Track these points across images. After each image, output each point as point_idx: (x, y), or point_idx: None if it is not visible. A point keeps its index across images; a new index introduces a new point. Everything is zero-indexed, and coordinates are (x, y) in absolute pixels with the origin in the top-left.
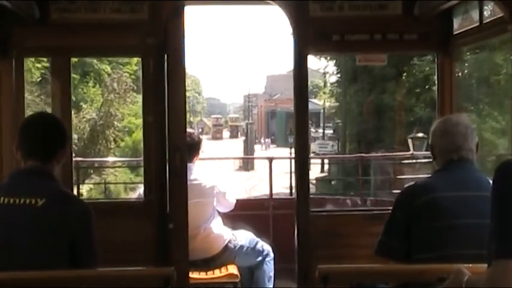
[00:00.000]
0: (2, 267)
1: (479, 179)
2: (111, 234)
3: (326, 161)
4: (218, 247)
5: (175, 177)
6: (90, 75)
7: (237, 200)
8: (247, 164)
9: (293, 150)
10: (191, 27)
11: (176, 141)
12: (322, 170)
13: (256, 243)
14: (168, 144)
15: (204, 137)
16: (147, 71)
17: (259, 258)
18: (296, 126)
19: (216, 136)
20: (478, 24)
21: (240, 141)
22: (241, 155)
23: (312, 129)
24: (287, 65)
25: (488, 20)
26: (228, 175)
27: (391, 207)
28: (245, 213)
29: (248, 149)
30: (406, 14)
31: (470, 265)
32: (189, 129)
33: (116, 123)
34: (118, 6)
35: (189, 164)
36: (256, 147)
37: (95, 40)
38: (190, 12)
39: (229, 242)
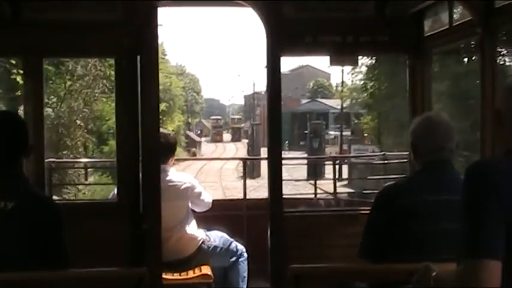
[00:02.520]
0: None
1: (459, 182)
2: (84, 235)
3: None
4: (192, 248)
5: (148, 178)
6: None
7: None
8: (252, 169)
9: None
10: (189, 26)
11: (149, 143)
12: (340, 175)
13: (230, 244)
14: (142, 146)
15: (203, 139)
16: (121, 72)
17: (233, 259)
18: (269, 128)
19: (216, 138)
20: (448, 26)
21: (242, 145)
22: (246, 162)
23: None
24: (289, 64)
25: (458, 23)
26: (230, 184)
27: (364, 208)
28: (219, 213)
29: (254, 153)
30: (377, 16)
31: (439, 264)
32: (164, 130)
33: (80, 122)
34: (92, 7)
35: (164, 166)
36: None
37: (68, 40)
38: (188, 11)
39: (203, 242)
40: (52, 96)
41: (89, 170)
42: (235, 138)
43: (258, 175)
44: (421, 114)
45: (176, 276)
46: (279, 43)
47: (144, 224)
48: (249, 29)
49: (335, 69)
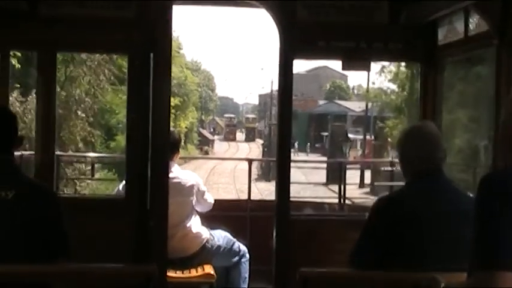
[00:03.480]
0: None
1: (453, 191)
2: (91, 230)
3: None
4: (196, 246)
5: (157, 175)
6: None
7: (215, 200)
8: (267, 172)
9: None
10: (207, 23)
11: (159, 139)
12: (362, 181)
13: (233, 244)
14: (151, 142)
15: (215, 137)
16: (133, 68)
17: (235, 259)
18: (279, 129)
19: (229, 137)
20: (463, 36)
21: (255, 145)
22: (262, 164)
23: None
24: (306, 64)
25: (473, 33)
26: (245, 187)
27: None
28: (222, 213)
29: (270, 154)
30: (392, 23)
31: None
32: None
33: (81, 113)
34: (106, 3)
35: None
36: None
37: (81, 35)
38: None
39: (206, 241)
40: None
41: (96, 166)
42: (249, 138)
43: (274, 178)
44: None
45: (179, 274)
46: (292, 45)
47: (151, 220)
48: (265, 29)
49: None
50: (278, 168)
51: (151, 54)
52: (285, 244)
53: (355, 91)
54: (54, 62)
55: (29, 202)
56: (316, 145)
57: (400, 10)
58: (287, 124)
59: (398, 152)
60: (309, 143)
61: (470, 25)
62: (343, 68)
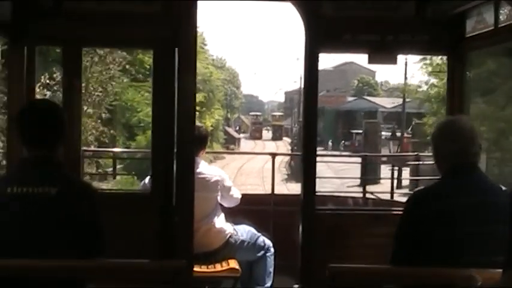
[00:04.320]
0: (17, 257)
1: (487, 185)
2: (116, 225)
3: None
4: (220, 241)
5: (182, 170)
6: None
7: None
8: (297, 171)
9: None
10: (231, 20)
11: (185, 134)
12: (399, 181)
13: (257, 238)
14: (177, 137)
15: (241, 136)
16: (158, 63)
17: (260, 253)
18: (304, 125)
19: (255, 135)
20: (492, 27)
21: (282, 144)
22: (291, 162)
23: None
24: (333, 61)
25: (504, 24)
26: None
27: (394, 208)
28: (246, 208)
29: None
30: (418, 15)
31: (482, 270)
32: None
33: (88, 109)
34: None
35: (195, 158)
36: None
37: (106, 31)
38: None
39: (230, 236)
40: (56, 74)
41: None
42: (276, 137)
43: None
44: (447, 117)
45: (204, 269)
46: (317, 39)
47: (176, 216)
48: (291, 26)
49: (380, 67)
50: (303, 162)
51: (176, 50)
52: (310, 239)
53: (383, 87)
54: (80, 58)
55: (70, 199)
56: (346, 143)
57: (427, 2)
58: (313, 119)
59: (432, 147)
60: (343, 141)
61: (500, 16)
62: (370, 62)
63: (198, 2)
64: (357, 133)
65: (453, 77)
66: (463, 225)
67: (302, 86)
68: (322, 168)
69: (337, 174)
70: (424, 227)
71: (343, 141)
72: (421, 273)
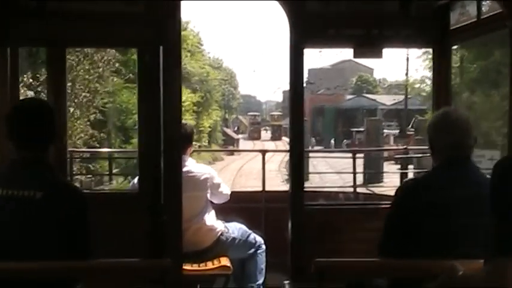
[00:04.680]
0: (3, 260)
1: (479, 178)
2: (104, 225)
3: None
4: (210, 239)
5: (169, 169)
6: None
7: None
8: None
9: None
10: (227, 20)
11: (171, 133)
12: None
13: (249, 235)
14: (163, 136)
15: (240, 136)
16: (143, 63)
17: (251, 251)
18: (291, 122)
19: (254, 136)
20: (475, 19)
21: (282, 144)
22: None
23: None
24: (330, 59)
25: (486, 16)
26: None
27: (384, 202)
28: (237, 205)
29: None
30: (403, 9)
31: (465, 261)
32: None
33: (75, 111)
34: None
35: (182, 156)
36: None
37: (91, 30)
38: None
39: (221, 234)
40: (40, 74)
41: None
42: (275, 137)
43: (306, 178)
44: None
45: (195, 267)
46: (302, 34)
47: (164, 214)
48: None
49: (378, 64)
50: (291, 158)
51: (161, 48)
52: (300, 235)
53: (381, 84)
54: (64, 58)
55: (56, 202)
56: (346, 141)
57: None
58: (299, 116)
59: (428, 138)
60: (344, 140)
61: (483, 8)
62: (355, 56)
63: (184, 1)
64: (357, 131)
65: (439, 69)
66: (457, 216)
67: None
68: (323, 168)
69: (340, 175)
70: (414, 218)
71: (344, 140)
72: (403, 265)
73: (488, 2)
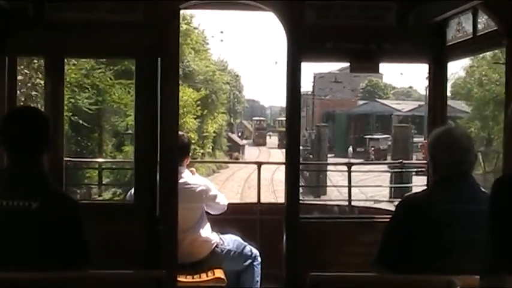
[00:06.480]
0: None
1: (479, 194)
2: (100, 236)
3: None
4: (205, 251)
5: (166, 180)
6: None
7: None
8: (316, 180)
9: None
10: (231, 26)
11: (168, 144)
12: None
13: (244, 248)
14: (160, 147)
15: (244, 142)
16: (141, 72)
17: (247, 263)
18: (288, 132)
19: (259, 142)
20: (471, 36)
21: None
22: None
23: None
24: (338, 63)
25: (482, 33)
26: None
27: (380, 216)
28: (233, 217)
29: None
30: (400, 25)
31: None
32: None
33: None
34: (113, 7)
35: (179, 168)
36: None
37: (89, 40)
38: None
39: (216, 246)
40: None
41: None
42: (283, 144)
43: (324, 193)
44: (441, 122)
45: (189, 279)
46: (299, 47)
47: (160, 225)
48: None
49: (388, 69)
50: (287, 170)
51: (159, 59)
52: (295, 247)
53: (390, 89)
54: (62, 68)
55: (52, 212)
56: (358, 149)
57: (409, 11)
58: (296, 126)
59: (429, 154)
60: (350, 147)
61: (478, 25)
62: (351, 71)
63: (182, 11)
64: (371, 139)
65: (435, 84)
66: (456, 232)
67: (309, 90)
68: (339, 179)
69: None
70: (414, 232)
71: (356, 148)
72: (400, 280)
73: (484, 19)
